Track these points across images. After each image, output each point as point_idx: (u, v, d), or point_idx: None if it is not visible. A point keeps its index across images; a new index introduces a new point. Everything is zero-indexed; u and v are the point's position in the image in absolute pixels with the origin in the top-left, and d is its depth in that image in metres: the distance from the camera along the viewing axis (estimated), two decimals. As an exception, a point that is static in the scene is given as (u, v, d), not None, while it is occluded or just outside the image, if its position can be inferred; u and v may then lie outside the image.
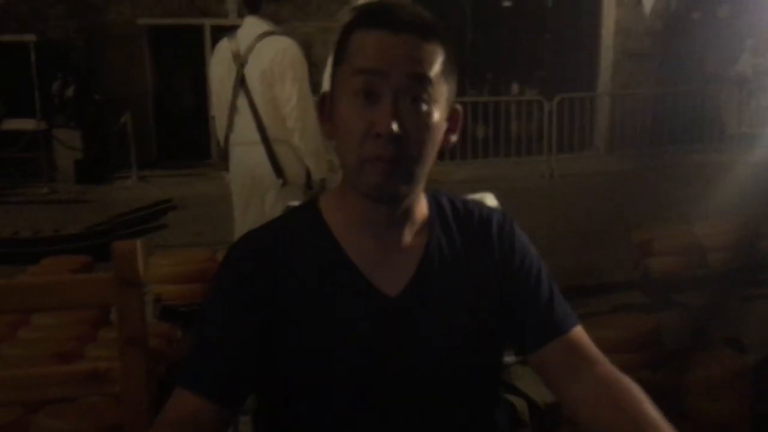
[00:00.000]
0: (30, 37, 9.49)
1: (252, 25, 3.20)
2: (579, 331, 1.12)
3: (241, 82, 3.18)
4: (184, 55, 11.31)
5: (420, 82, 1.01)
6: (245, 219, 3.31)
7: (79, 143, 9.24)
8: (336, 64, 1.07)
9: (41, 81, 9.33)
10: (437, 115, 1.04)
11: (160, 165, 10.55)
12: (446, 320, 1.08)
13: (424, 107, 1.02)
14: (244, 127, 3.23)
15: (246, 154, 3.25)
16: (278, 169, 3.20)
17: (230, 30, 3.35)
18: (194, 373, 1.02)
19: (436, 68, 1.03)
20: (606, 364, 1.08)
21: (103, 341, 2.75)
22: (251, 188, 3.26)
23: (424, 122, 1.02)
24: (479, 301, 1.11)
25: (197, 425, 0.98)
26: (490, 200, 1.53)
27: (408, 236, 1.10)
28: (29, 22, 9.90)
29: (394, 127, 0.98)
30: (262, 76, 3.13)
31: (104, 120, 9.60)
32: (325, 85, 3.86)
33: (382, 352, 1.05)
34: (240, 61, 3.18)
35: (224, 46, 3.27)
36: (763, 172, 6.40)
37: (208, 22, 10.68)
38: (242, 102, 3.20)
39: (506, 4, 12.48)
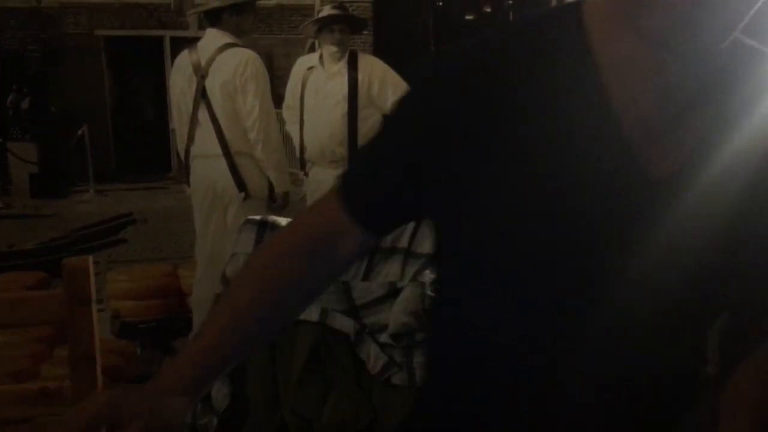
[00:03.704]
0: (-16, 48, 9.30)
1: (213, 37, 3.17)
2: None
3: (202, 95, 3.15)
4: (143, 67, 11.20)
5: None
6: (207, 233, 3.27)
7: (34, 156, 9.05)
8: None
9: (-5, 93, 9.13)
10: None
11: (118, 178, 10.39)
12: (705, 230, 0.77)
13: None
14: (205, 139, 3.19)
15: (207, 167, 3.21)
16: (240, 182, 3.17)
17: (191, 42, 3.32)
18: (351, 186, 0.88)
19: None
20: None
21: (59, 359, 2.67)
22: (213, 201, 3.22)
23: None
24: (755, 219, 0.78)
25: (332, 236, 0.87)
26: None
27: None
28: (-17, 32, 9.70)
29: None
30: (223, 89, 3.10)
31: (61, 132, 9.43)
32: (288, 97, 3.86)
33: (612, 245, 0.76)
34: (201, 73, 3.14)
35: (185, 57, 3.23)
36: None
37: (168, 34, 10.60)
38: (203, 114, 3.17)
39: (469, 17, 12.65)
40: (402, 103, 0.84)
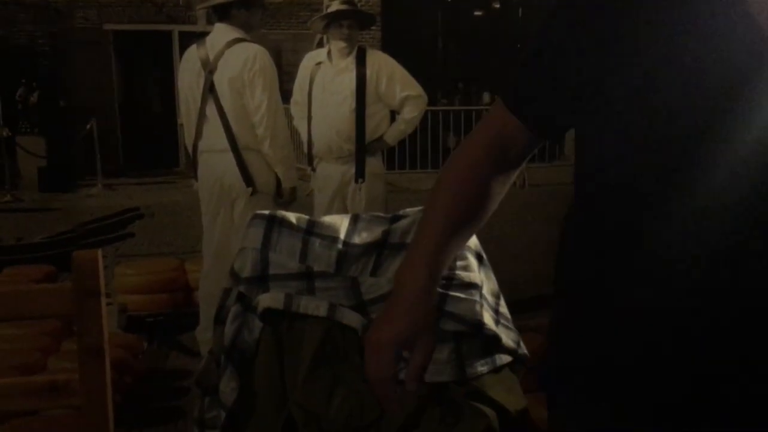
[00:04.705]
0: (-7, 42, 9.33)
1: (221, 32, 3.17)
2: None
3: (210, 89, 3.15)
4: (151, 62, 11.22)
5: None
6: (214, 227, 3.27)
7: (43, 150, 9.08)
8: None
9: (5, 87, 9.15)
10: None
11: (126, 173, 10.42)
12: None
13: None
14: (213, 134, 3.19)
15: (215, 161, 3.21)
16: (247, 177, 3.17)
17: (199, 36, 3.32)
18: (515, 90, 1.00)
19: None
20: None
21: (66, 353, 2.69)
22: (220, 196, 3.22)
23: None
24: None
25: (505, 142, 1.00)
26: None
27: None
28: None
29: None
30: (231, 84, 3.10)
31: (69, 127, 9.46)
32: (296, 92, 3.86)
33: (745, 96, 0.79)
34: (209, 68, 3.14)
35: (193, 52, 3.23)
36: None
37: (176, 29, 10.60)
38: (211, 109, 3.17)
39: (477, 13, 12.62)
40: (552, 11, 0.94)
